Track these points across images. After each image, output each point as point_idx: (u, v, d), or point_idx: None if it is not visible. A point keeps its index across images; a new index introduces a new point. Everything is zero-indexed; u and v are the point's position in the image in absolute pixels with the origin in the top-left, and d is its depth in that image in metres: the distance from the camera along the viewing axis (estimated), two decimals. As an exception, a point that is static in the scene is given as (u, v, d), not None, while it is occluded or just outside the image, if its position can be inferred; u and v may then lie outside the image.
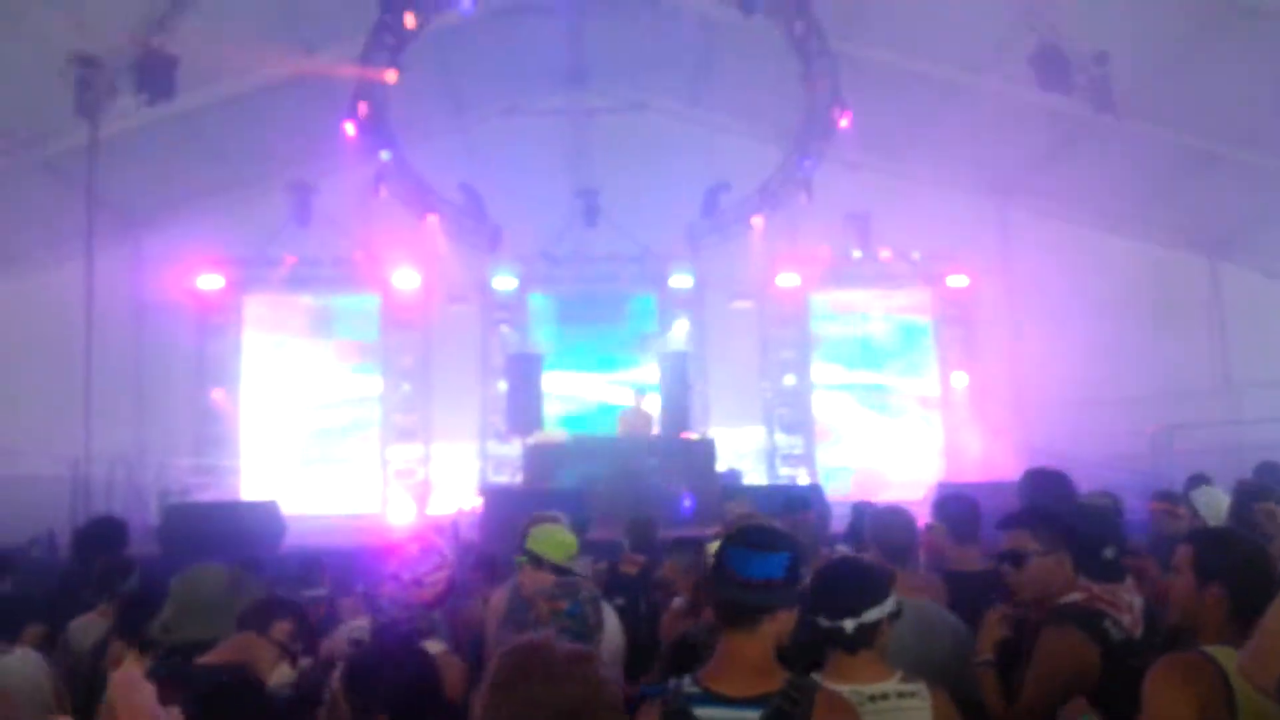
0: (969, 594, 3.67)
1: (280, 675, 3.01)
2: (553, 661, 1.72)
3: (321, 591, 4.86)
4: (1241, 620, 2.32)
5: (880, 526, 4.11)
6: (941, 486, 11.40)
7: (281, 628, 3.13)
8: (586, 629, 2.91)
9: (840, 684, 2.47)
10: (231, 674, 2.71)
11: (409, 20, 12.54)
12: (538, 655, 1.75)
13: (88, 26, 11.07)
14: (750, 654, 2.32)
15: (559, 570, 3.74)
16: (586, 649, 1.81)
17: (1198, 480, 5.93)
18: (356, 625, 3.54)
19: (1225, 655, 2.27)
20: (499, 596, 4.12)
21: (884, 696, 2.49)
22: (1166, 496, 5.88)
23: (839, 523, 7.62)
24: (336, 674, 2.70)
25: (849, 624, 2.52)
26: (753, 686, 2.27)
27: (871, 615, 2.53)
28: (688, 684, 2.31)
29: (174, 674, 2.68)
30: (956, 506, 4.46)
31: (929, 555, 5.00)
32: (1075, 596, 3.07)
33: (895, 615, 2.62)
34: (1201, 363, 15.21)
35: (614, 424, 12.88)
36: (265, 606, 3.19)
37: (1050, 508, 3.62)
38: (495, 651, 1.90)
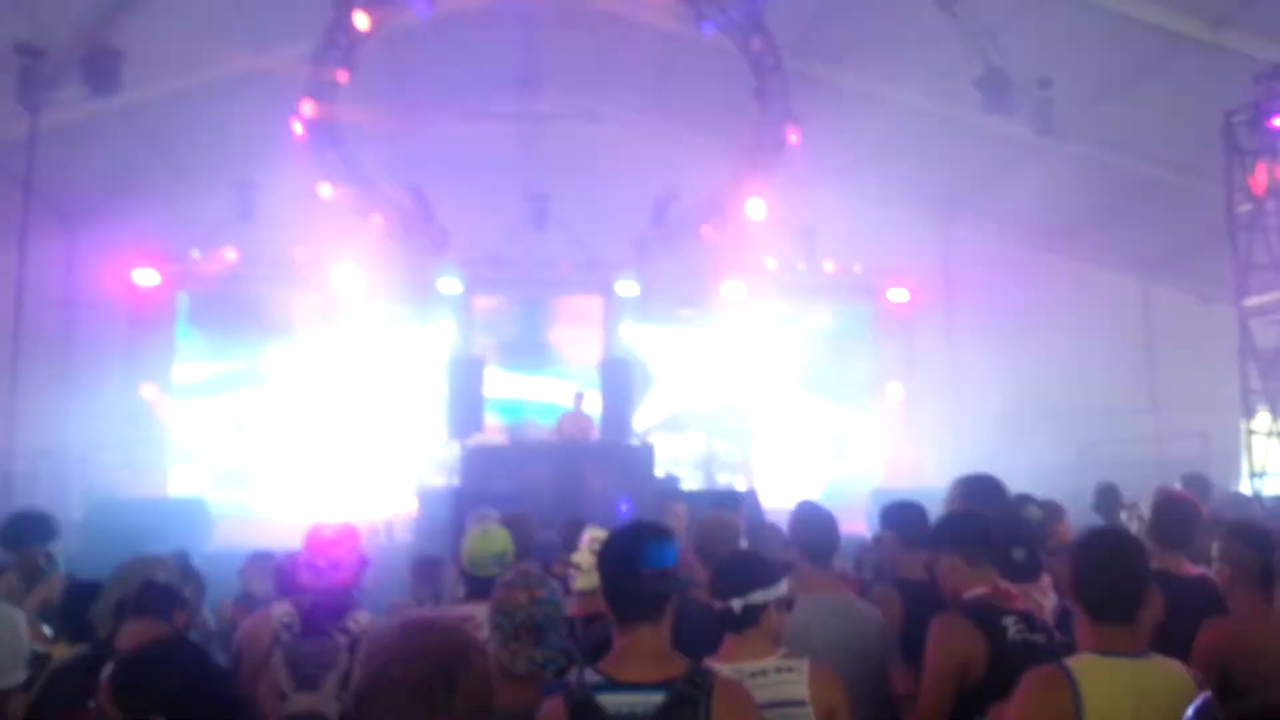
0: (918, 603, 3.63)
1: None
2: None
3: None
4: None
5: (799, 524, 4.14)
6: (877, 495, 11.60)
7: (181, 615, 3.27)
8: (561, 614, 2.96)
9: (724, 664, 2.63)
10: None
11: (362, 22, 12.46)
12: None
13: (35, 18, 10.86)
14: (651, 642, 2.40)
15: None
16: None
17: (1107, 491, 6.14)
18: (282, 609, 3.54)
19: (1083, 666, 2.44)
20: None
21: (763, 673, 2.67)
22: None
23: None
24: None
25: (736, 604, 2.71)
26: (655, 673, 2.34)
27: (756, 597, 2.71)
28: (589, 674, 2.38)
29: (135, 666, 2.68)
30: (903, 513, 4.37)
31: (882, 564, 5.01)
32: (979, 591, 3.19)
33: (787, 603, 2.79)
34: (1129, 381, 15.63)
35: (555, 423, 12.87)
36: (168, 593, 3.26)
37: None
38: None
